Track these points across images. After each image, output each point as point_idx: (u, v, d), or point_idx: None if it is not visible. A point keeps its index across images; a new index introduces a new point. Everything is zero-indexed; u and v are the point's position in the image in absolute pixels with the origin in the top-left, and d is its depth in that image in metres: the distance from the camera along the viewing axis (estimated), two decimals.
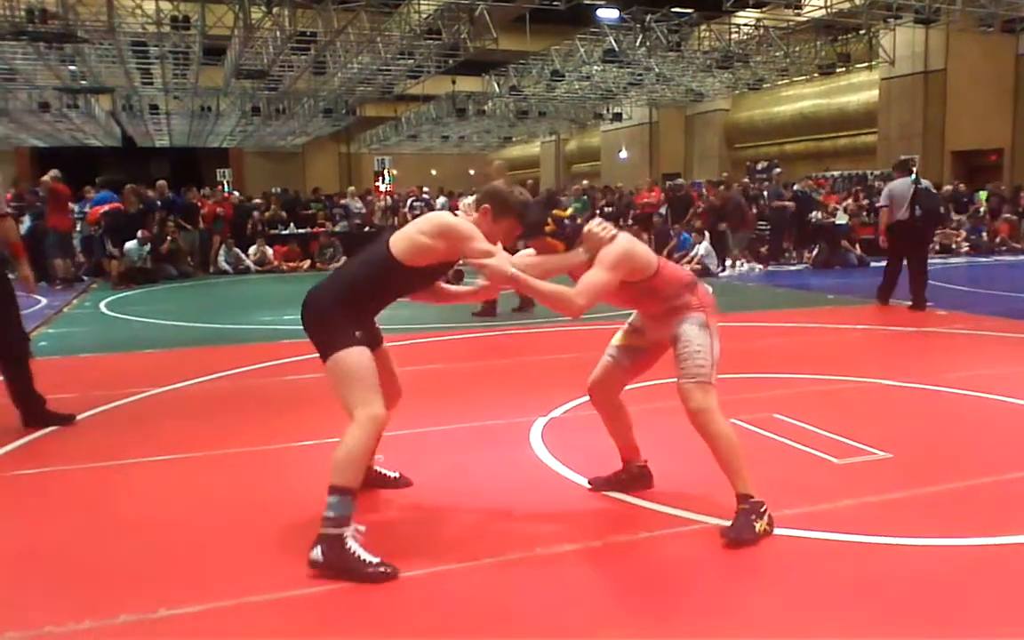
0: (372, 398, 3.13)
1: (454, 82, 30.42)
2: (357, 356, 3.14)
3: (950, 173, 23.44)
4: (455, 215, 3.42)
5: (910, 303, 9.57)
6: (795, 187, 17.39)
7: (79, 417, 5.25)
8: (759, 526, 3.31)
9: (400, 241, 3.25)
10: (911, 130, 24.46)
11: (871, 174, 21.62)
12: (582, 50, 25.24)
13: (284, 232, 17.79)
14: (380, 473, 3.94)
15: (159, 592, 2.95)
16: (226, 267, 16.14)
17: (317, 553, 3.02)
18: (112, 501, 3.94)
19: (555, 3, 19.00)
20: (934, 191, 10.13)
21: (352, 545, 3.01)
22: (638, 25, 22.72)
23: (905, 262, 9.70)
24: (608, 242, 3.33)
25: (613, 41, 23.39)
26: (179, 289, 13.73)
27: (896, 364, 6.72)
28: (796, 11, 21.25)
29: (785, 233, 16.56)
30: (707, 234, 14.97)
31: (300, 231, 17.95)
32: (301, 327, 3.33)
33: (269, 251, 16.79)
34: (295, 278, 15.27)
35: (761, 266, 15.48)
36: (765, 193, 17.34)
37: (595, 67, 26.63)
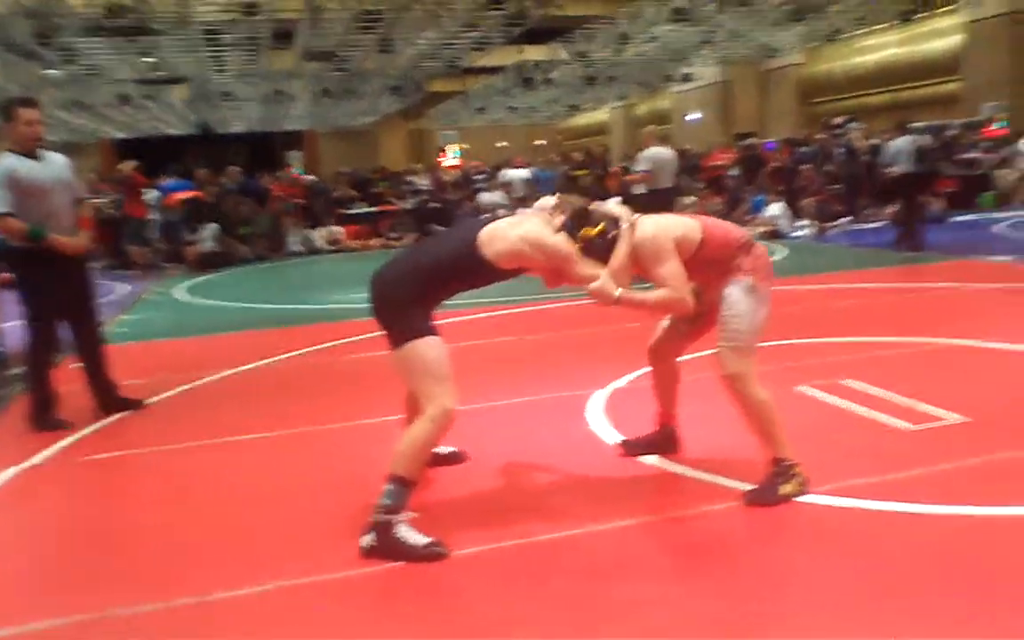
0: (445, 391, 3.07)
1: (521, 51, 30.22)
2: (433, 346, 3.10)
3: None
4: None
5: (906, 245, 10.90)
6: (874, 141, 16.72)
7: (149, 401, 5.41)
8: (784, 489, 3.29)
9: (496, 242, 3.14)
10: (998, 76, 23.23)
11: (952, 124, 20.62)
12: (650, 11, 24.72)
13: (353, 211, 18.01)
14: (435, 453, 3.94)
15: (217, 574, 3.01)
16: (299, 248, 16.43)
17: (369, 539, 3.04)
18: (175, 485, 4.04)
19: None
20: (931, 148, 12.16)
21: (402, 530, 3.02)
22: None
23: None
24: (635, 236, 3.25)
25: None
26: (253, 272, 14.04)
27: (976, 324, 6.39)
28: None
29: (862, 189, 15.95)
30: (782, 194, 14.54)
31: (369, 209, 18.15)
32: (368, 306, 3.28)
33: (339, 230, 17.02)
34: (365, 256, 15.46)
35: (827, 225, 14.84)
36: (841, 150, 16.73)
37: (664, 27, 26.06)
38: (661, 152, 10.38)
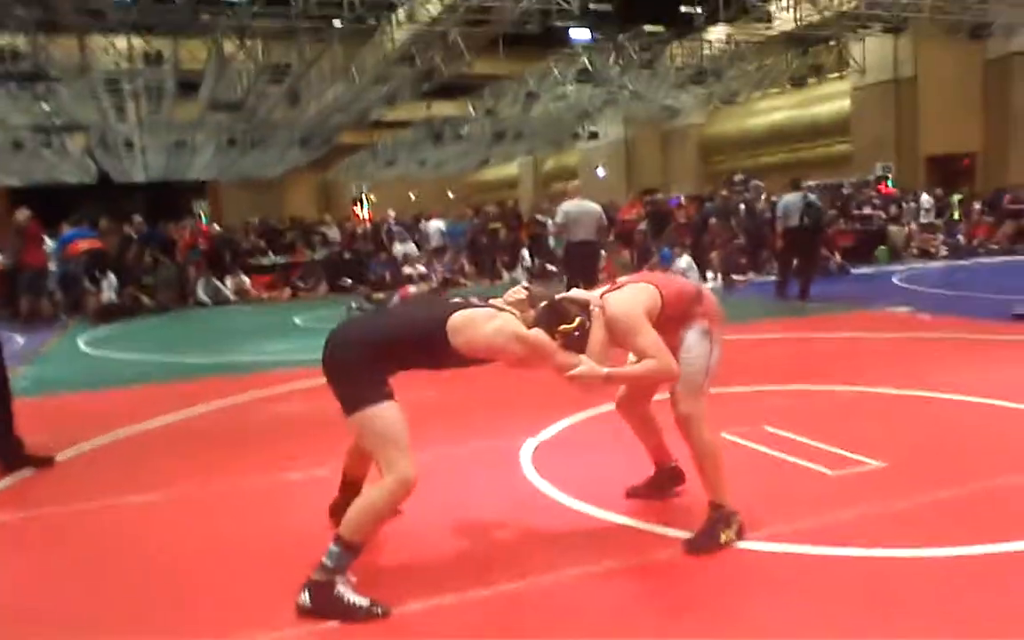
0: (404, 461, 3.03)
1: (429, 107, 30.46)
2: (391, 413, 3.07)
3: (925, 178, 23.67)
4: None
5: (798, 295, 11.67)
6: (773, 199, 17.47)
7: (59, 457, 5.14)
8: (724, 536, 3.37)
9: (468, 332, 3.12)
10: (884, 137, 24.68)
11: (846, 182, 21.77)
12: (556, 71, 25.34)
13: (263, 262, 17.68)
14: None
15: (144, 633, 2.85)
16: (204, 299, 15.98)
17: (305, 598, 2.95)
18: (96, 546, 3.83)
19: (528, 26, 19.06)
20: (819, 204, 12.53)
21: (341, 590, 2.95)
22: (611, 44, 22.85)
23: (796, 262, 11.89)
24: (609, 312, 3.34)
25: (587, 61, 23.51)
26: (158, 323, 13.57)
27: (884, 371, 6.69)
28: (767, 25, 21.46)
29: (764, 243, 16.60)
30: (687, 249, 14.97)
31: (279, 260, 17.85)
32: (321, 367, 3.21)
33: (247, 281, 16.67)
34: (275, 308, 15.16)
35: (734, 277, 15.39)
36: (742, 206, 17.40)
37: (569, 87, 26.72)
38: (575, 206, 10.46)
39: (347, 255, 17.96)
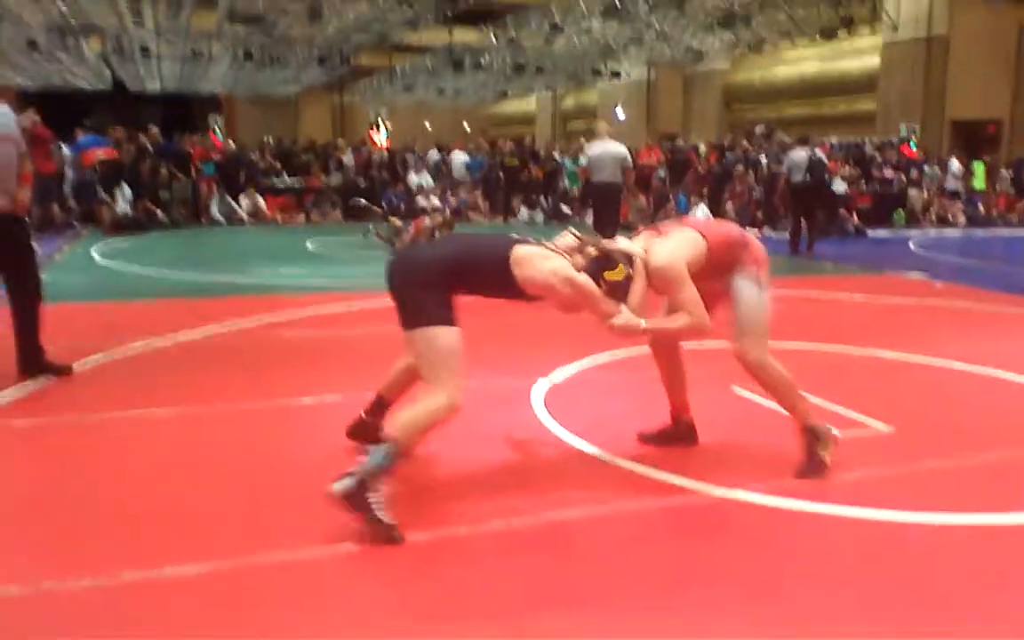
0: (454, 384, 3.15)
1: (451, 33, 30.00)
2: (452, 337, 3.19)
3: (949, 143, 23.33)
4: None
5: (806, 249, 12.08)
6: (809, 152, 17.25)
7: (76, 367, 5.20)
8: (823, 453, 3.65)
9: (527, 268, 3.27)
10: (911, 97, 24.26)
11: (869, 142, 21.47)
12: (582, 4, 24.87)
13: (277, 184, 17.59)
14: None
15: (165, 550, 2.92)
16: (219, 218, 15.97)
17: (342, 485, 2.97)
18: (111, 454, 3.91)
19: None
20: (824, 161, 12.98)
21: (373, 499, 2.99)
22: None
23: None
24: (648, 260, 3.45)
25: None
26: (172, 239, 13.59)
27: (896, 336, 6.69)
28: None
29: (781, 199, 16.48)
30: (705, 198, 14.90)
31: (294, 184, 17.73)
32: (387, 281, 3.30)
33: (261, 202, 16.61)
34: (290, 231, 15.14)
35: (753, 232, 15.36)
36: (764, 158, 17.22)
37: (595, 22, 26.27)
38: (600, 147, 10.47)
39: (362, 183, 17.85)
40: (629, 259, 3.43)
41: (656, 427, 4.06)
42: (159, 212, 14.74)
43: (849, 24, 24.55)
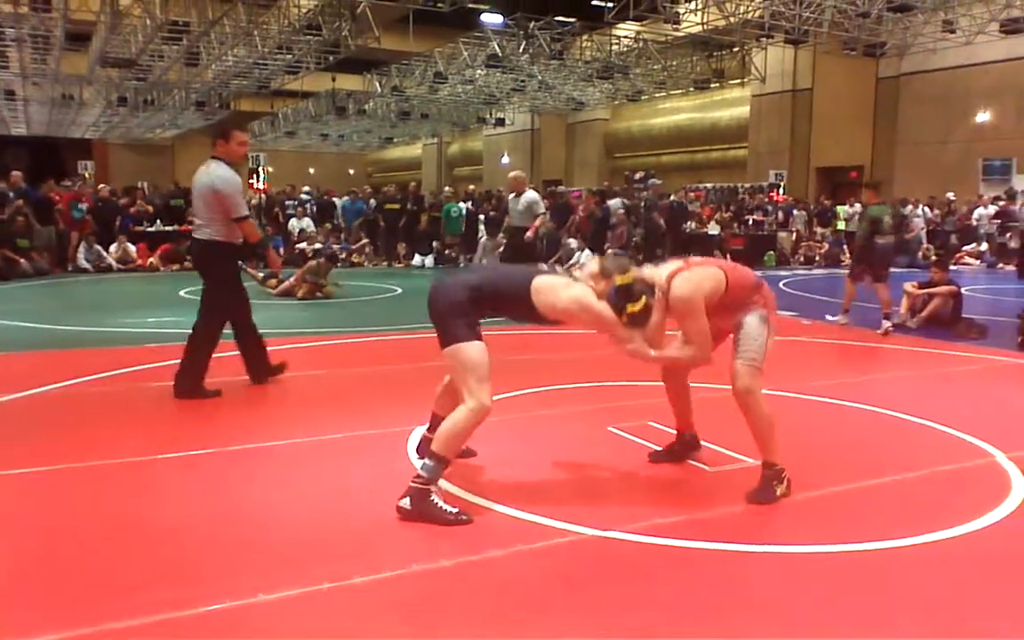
0: (483, 390, 3.58)
1: (334, 79, 29.87)
2: (478, 350, 3.62)
3: (814, 188, 24.65)
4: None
5: None
6: (671, 198, 17.87)
7: None
8: (779, 490, 3.88)
9: (547, 296, 3.66)
10: (779, 145, 25.58)
11: (741, 187, 22.46)
12: (465, 54, 25.22)
13: (151, 230, 16.91)
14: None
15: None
16: (86, 265, 15.22)
17: (407, 502, 3.53)
18: None
19: (439, 5, 18.89)
20: (685, 205, 14.57)
21: (435, 498, 3.53)
22: (521, 32, 22.90)
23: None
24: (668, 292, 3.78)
25: (497, 46, 23.49)
26: (35, 288, 12.85)
27: (768, 373, 6.89)
28: (674, 26, 21.90)
29: (661, 241, 16.97)
30: (587, 242, 15.19)
31: (168, 228, 17.07)
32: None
33: (132, 248, 15.93)
34: (168, 277, 14.55)
35: None
36: (642, 204, 17.73)
37: (478, 71, 26.65)
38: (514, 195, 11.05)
39: None
40: (652, 290, 3.72)
41: (664, 444, 4.49)
42: (22, 260, 13.92)
43: (721, 77, 25.80)
